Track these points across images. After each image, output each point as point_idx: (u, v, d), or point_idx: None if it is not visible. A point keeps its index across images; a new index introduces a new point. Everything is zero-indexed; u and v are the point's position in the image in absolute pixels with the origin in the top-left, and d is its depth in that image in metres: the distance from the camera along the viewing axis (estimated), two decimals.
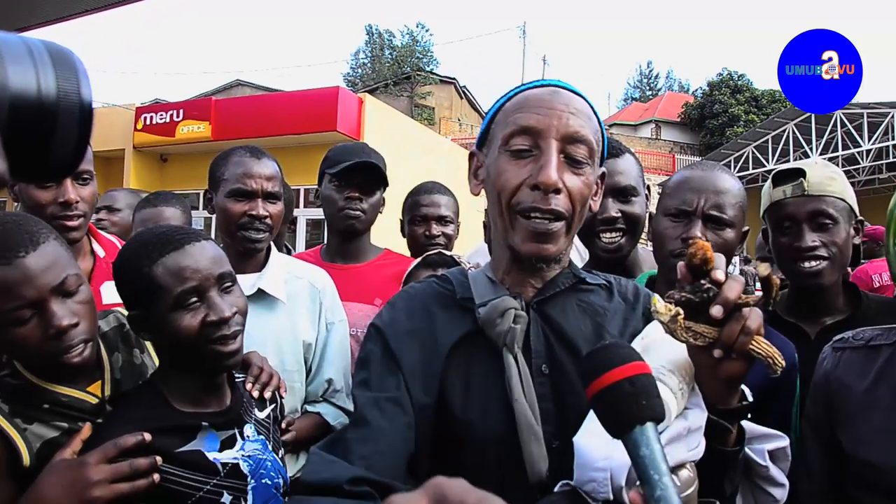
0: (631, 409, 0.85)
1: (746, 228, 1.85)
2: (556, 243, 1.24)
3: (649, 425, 0.84)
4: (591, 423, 1.06)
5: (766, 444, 1.15)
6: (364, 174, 2.59)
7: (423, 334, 1.28)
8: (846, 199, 1.94)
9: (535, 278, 1.31)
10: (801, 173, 1.94)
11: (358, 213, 2.59)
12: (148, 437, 1.35)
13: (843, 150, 24.61)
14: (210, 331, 1.44)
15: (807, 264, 1.91)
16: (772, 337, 1.74)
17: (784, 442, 1.17)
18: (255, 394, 1.66)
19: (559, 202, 1.20)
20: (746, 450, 1.12)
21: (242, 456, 1.49)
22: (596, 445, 1.03)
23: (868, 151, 24.21)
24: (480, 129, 1.36)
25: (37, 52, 0.55)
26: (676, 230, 1.77)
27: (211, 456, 1.45)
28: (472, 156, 1.38)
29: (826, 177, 1.95)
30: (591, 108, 1.30)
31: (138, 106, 16.66)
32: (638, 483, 0.84)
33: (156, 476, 1.34)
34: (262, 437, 1.58)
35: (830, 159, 21.78)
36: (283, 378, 1.81)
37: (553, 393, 1.23)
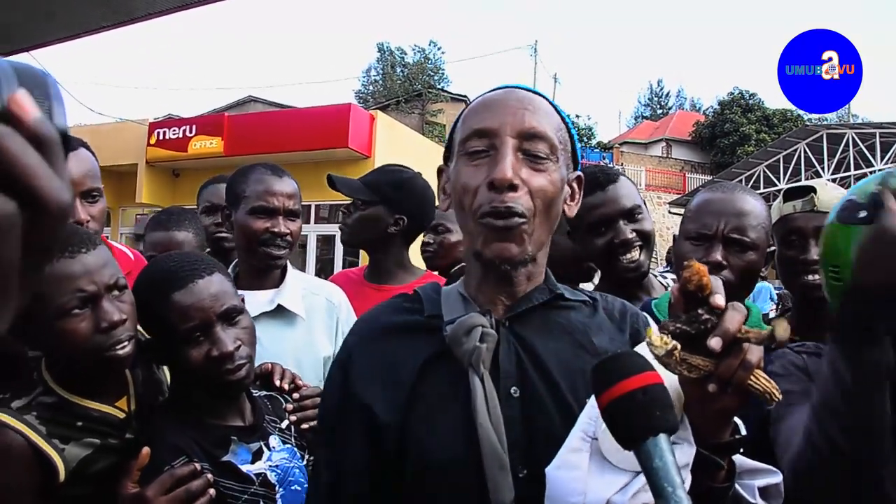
0: (644, 420, 0.82)
1: (771, 248, 1.86)
2: (520, 243, 1.16)
3: (662, 437, 0.82)
4: (567, 454, 1.01)
5: (757, 479, 1.07)
6: (341, 190, 2.63)
7: (384, 369, 1.22)
8: None
9: (506, 293, 1.23)
10: (811, 190, 1.97)
11: (342, 226, 2.68)
12: (198, 466, 1.43)
13: (854, 169, 24.49)
14: (215, 364, 1.52)
15: (811, 277, 1.91)
16: (787, 356, 1.75)
17: (777, 478, 1.08)
18: (286, 386, 1.76)
19: (517, 199, 1.13)
20: (736, 486, 1.04)
21: (270, 466, 1.56)
22: (570, 479, 0.97)
23: (880, 171, 24.09)
24: (446, 144, 1.31)
25: (3, 74, 0.47)
26: (697, 254, 1.76)
27: (244, 468, 1.52)
28: (440, 171, 1.33)
29: (836, 197, 1.94)
30: (554, 106, 1.25)
31: (151, 121, 16.79)
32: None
33: (211, 491, 1.42)
34: (288, 445, 1.64)
35: (842, 179, 21.74)
36: None
37: (523, 417, 1.15)
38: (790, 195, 2.03)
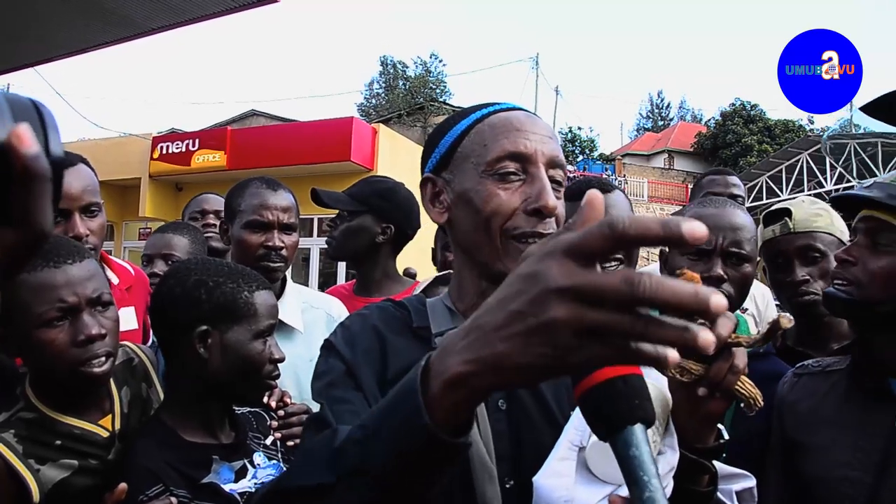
0: (624, 408, 0.81)
1: (758, 259, 1.92)
2: None
3: (639, 426, 0.81)
4: (554, 462, 1.03)
5: (734, 484, 1.13)
6: (326, 202, 2.62)
7: (374, 357, 1.20)
8: (834, 232, 2.04)
9: None
10: (786, 213, 2.06)
11: (329, 239, 2.66)
12: (173, 500, 1.38)
13: (858, 179, 24.47)
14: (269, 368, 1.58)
15: (803, 297, 2.00)
16: (774, 364, 1.81)
17: (751, 482, 1.14)
18: (274, 403, 1.72)
19: (552, 226, 1.17)
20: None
21: (255, 484, 1.53)
22: (557, 486, 1.00)
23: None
24: (437, 153, 1.27)
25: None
26: (697, 268, 1.78)
27: (227, 488, 1.48)
28: (426, 181, 1.29)
29: (812, 213, 2.07)
30: None
31: (155, 135, 16.85)
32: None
33: None
34: (274, 461, 1.61)
35: (845, 189, 21.68)
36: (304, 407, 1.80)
37: (510, 430, 1.16)
38: (768, 219, 2.13)
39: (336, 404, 1.11)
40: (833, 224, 2.07)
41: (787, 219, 2.05)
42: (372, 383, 1.16)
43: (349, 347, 1.21)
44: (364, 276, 2.66)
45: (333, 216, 2.69)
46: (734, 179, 3.34)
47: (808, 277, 2.01)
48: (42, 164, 0.47)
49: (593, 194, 0.68)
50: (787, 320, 1.00)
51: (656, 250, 2.15)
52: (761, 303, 2.98)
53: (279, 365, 2.01)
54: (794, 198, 2.26)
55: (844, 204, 1.56)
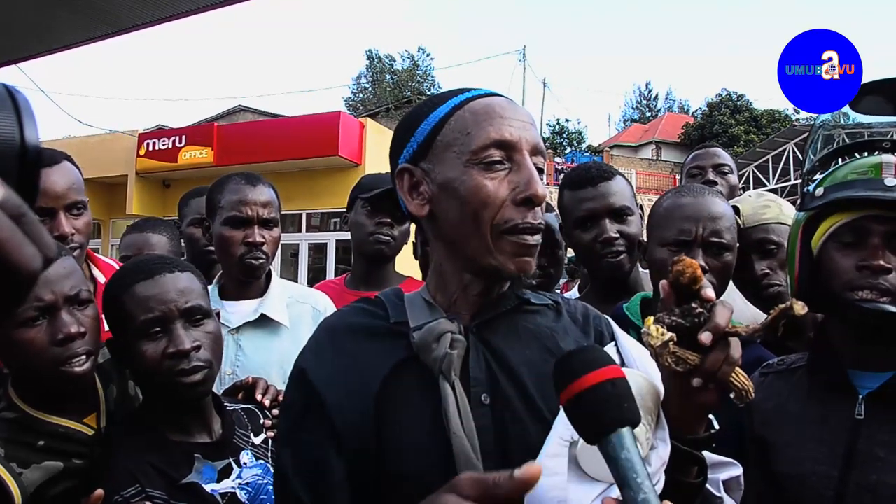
0: (614, 412, 0.82)
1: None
2: (535, 258, 1.15)
3: (627, 429, 0.82)
4: (545, 459, 1.00)
5: (720, 473, 1.12)
6: (397, 202, 2.57)
7: (349, 372, 1.15)
8: (784, 221, 2.01)
9: (481, 301, 1.20)
10: (734, 210, 2.00)
11: (388, 238, 2.59)
12: None
13: None
14: (170, 363, 1.45)
15: (766, 291, 2.00)
16: (760, 352, 1.79)
17: (738, 471, 1.14)
18: (267, 402, 1.70)
19: (540, 216, 1.13)
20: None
21: (240, 484, 1.49)
22: (550, 486, 0.97)
23: None
24: (413, 142, 1.20)
25: None
26: None
27: (209, 487, 1.45)
28: (403, 172, 1.22)
29: (759, 206, 2.06)
30: None
31: (141, 132, 16.73)
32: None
33: None
34: (261, 461, 1.57)
35: None
36: None
37: (495, 425, 1.11)
38: None
39: (304, 457, 1.12)
40: (783, 213, 2.05)
41: (735, 216, 2.00)
42: (343, 403, 1.13)
43: (317, 370, 1.18)
44: (384, 273, 2.67)
45: (387, 219, 2.65)
46: (717, 150, 3.27)
47: (768, 271, 2.00)
48: (14, 202, 0.45)
49: (531, 472, 0.76)
50: (801, 306, 0.95)
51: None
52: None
53: (267, 361, 2.01)
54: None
55: (844, 205, 1.47)
